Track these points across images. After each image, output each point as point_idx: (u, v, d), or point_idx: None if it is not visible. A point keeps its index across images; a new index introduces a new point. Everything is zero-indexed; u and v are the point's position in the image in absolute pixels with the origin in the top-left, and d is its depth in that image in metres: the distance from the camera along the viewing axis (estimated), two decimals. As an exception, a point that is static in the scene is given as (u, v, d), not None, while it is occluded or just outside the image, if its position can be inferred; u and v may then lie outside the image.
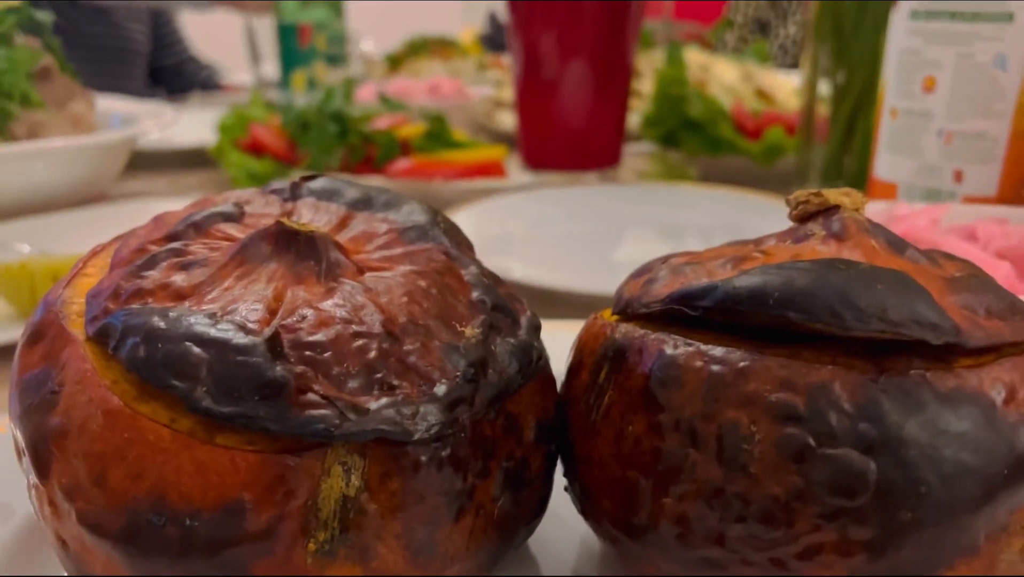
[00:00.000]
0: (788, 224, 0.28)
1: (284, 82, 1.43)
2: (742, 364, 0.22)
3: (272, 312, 0.23)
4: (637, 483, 0.24)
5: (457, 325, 0.25)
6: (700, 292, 0.23)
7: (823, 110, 0.79)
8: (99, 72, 1.33)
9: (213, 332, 0.22)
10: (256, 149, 0.90)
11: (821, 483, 0.21)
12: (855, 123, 0.76)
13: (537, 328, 0.28)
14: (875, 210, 0.50)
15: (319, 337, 0.23)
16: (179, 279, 0.24)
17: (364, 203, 0.30)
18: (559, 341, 0.34)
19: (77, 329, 0.24)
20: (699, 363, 0.23)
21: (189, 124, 1.12)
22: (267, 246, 0.25)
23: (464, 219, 0.69)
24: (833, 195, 0.26)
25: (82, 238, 0.48)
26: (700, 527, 0.23)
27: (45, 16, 0.83)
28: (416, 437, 0.22)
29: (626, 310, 0.27)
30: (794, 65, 1.64)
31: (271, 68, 1.54)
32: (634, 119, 1.03)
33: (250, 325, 0.22)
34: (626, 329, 0.26)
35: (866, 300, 0.21)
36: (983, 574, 0.22)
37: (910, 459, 0.20)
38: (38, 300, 0.30)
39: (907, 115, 0.58)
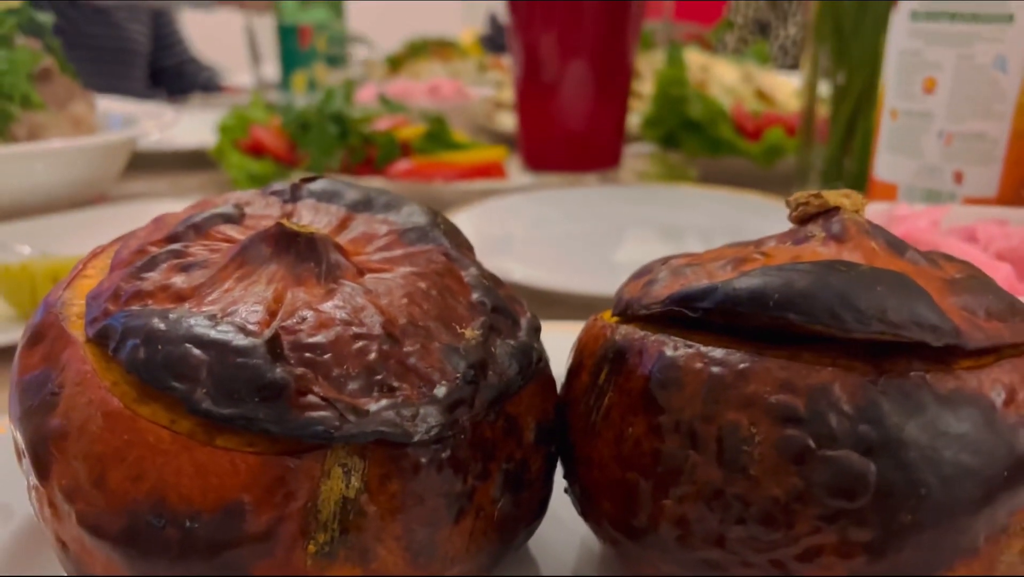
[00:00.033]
0: (788, 225, 0.28)
1: (284, 83, 1.43)
2: (742, 366, 0.22)
3: (272, 314, 0.23)
4: (637, 485, 0.24)
5: (457, 327, 0.25)
6: (700, 294, 0.23)
7: (823, 111, 0.79)
8: (99, 73, 1.33)
9: (213, 334, 0.22)
10: (256, 150, 0.90)
11: (821, 485, 0.21)
12: (855, 124, 0.76)
13: (537, 329, 0.28)
14: (875, 211, 0.50)
15: (319, 339, 0.23)
16: (179, 281, 0.24)
17: (364, 204, 0.30)
18: (559, 343, 0.34)
19: (77, 331, 0.24)
20: (699, 365, 0.23)
21: (189, 125, 1.12)
22: (267, 248, 0.25)
23: (464, 220, 0.69)
24: (833, 196, 0.26)
25: (82, 239, 0.48)
26: (700, 529, 0.23)
27: (45, 17, 0.83)
28: (416, 439, 0.22)
29: (626, 311, 0.27)
30: (794, 66, 1.65)
31: (271, 69, 1.54)
32: (634, 120, 1.03)
33: (250, 327, 0.22)
34: (626, 331, 0.26)
35: (866, 302, 0.21)
36: (983, 575, 0.22)
37: (910, 461, 0.20)
38: (38, 301, 0.30)
39: (907, 116, 0.58)
